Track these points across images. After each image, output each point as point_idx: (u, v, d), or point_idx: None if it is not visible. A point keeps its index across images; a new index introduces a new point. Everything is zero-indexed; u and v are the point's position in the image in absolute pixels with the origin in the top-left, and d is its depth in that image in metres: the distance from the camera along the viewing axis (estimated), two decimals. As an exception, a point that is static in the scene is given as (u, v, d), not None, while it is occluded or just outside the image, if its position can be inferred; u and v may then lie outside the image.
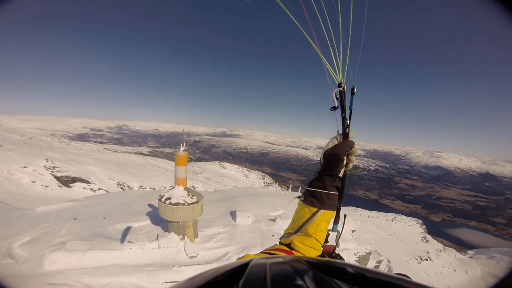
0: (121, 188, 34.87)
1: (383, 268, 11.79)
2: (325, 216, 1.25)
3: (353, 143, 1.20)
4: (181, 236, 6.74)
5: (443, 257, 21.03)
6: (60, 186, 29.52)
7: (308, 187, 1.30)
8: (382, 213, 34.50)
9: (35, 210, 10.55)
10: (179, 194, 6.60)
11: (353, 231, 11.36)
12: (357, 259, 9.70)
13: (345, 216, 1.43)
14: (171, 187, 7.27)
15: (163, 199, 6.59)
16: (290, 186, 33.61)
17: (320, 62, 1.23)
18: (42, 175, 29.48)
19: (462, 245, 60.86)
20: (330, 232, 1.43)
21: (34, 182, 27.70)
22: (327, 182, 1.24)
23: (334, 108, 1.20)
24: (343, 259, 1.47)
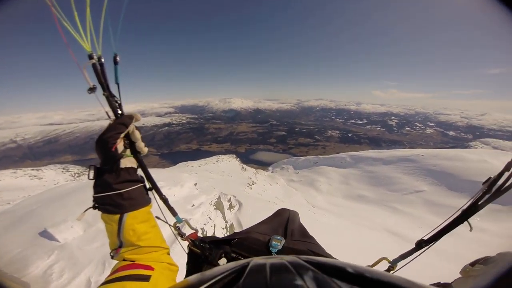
0: None
1: (234, 204, 13.74)
2: (136, 218, 0.98)
3: (130, 119, 0.94)
4: None
5: (259, 178, 28.60)
6: None
7: (93, 194, 0.96)
8: (207, 159, 39.58)
9: None
10: None
11: (195, 184, 12.24)
12: (214, 206, 10.68)
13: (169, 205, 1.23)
14: None
15: None
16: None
17: None
18: None
19: (263, 165, 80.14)
20: (178, 225, 1.28)
21: None
22: (109, 181, 0.92)
23: (91, 89, 0.87)
24: (217, 237, 1.50)
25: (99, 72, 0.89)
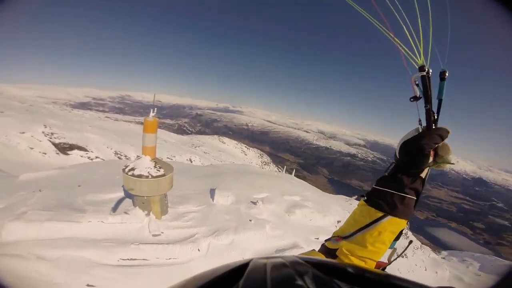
0: (118, 157, 35.03)
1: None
2: (393, 225, 0.98)
3: (447, 133, 0.92)
4: (146, 212, 6.21)
5: (418, 255, 21.38)
6: (57, 154, 29.60)
7: (375, 185, 1.06)
8: None
9: (18, 178, 10.34)
10: (144, 165, 5.92)
11: (338, 221, 11.21)
12: None
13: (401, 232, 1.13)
14: (138, 157, 6.66)
15: (126, 169, 5.93)
16: (285, 168, 33.63)
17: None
18: (40, 141, 29.38)
19: (438, 245, 63.61)
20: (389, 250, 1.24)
21: (32, 148, 27.65)
22: (403, 182, 0.97)
23: (415, 98, 0.97)
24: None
25: (427, 85, 0.94)
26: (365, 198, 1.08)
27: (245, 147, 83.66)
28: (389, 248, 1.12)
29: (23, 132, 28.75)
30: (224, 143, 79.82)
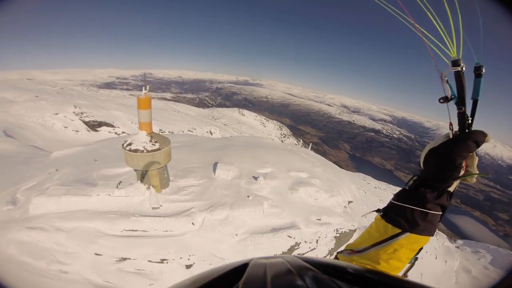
0: (142, 132, 37.02)
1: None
2: (411, 242, 0.91)
3: (484, 137, 0.77)
4: (147, 186, 6.36)
5: (431, 242, 20.10)
6: (88, 131, 31.92)
7: (393, 200, 0.97)
8: (391, 186, 32.76)
9: (50, 155, 11.18)
10: (140, 140, 6.00)
11: (349, 202, 10.58)
12: (338, 234, 8.82)
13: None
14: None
15: (125, 145, 6.01)
16: (301, 141, 33.38)
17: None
18: (72, 120, 31.78)
19: (455, 233, 62.73)
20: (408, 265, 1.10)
21: (66, 127, 30.10)
22: (427, 197, 0.87)
23: (445, 99, 0.84)
24: None
25: (462, 82, 0.82)
26: (382, 213, 1.00)
27: (265, 119, 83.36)
28: (410, 262, 1.03)
29: (56, 114, 31.21)
30: (244, 115, 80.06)
